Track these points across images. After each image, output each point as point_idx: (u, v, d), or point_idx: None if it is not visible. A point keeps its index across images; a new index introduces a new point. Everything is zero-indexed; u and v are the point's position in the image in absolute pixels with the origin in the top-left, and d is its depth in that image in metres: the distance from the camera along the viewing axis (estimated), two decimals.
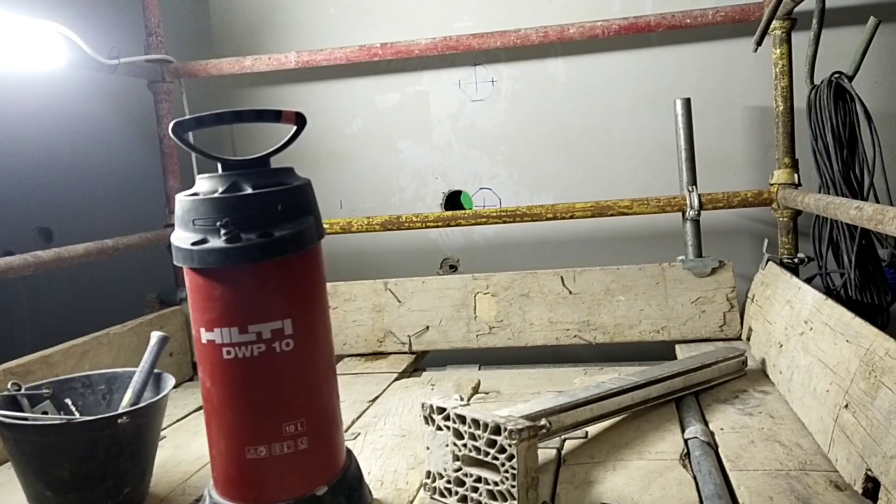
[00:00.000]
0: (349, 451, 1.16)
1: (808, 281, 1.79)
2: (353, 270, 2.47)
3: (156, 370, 1.38)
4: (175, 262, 1.04)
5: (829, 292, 1.81)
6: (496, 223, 2.22)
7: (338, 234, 2.30)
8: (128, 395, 1.33)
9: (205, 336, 1.03)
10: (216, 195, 1.02)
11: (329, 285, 2.21)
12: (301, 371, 1.05)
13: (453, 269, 2.53)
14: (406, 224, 2.23)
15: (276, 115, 1.10)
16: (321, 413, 1.08)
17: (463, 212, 2.25)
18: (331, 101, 2.52)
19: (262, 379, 1.03)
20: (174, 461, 1.49)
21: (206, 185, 1.06)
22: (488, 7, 2.40)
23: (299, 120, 1.10)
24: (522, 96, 2.42)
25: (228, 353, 1.01)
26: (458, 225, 2.24)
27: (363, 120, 2.53)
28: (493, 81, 2.43)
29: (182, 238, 1.02)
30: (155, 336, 1.37)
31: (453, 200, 2.54)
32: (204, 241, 1.00)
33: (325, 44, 2.36)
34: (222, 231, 0.99)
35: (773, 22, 1.92)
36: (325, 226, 2.22)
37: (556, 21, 2.22)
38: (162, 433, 1.64)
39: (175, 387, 1.95)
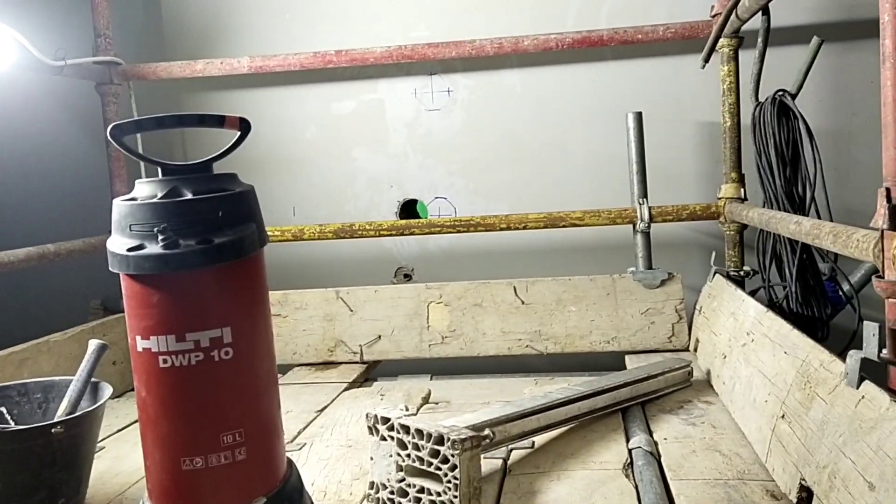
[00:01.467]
0: (290, 462, 1.14)
1: (753, 293, 1.83)
2: (305, 279, 2.45)
3: (94, 379, 1.35)
4: (111, 268, 1.01)
5: (773, 305, 1.85)
6: (451, 232, 2.22)
7: (290, 242, 2.27)
8: (63, 405, 1.30)
9: (141, 344, 1.00)
10: (155, 200, 1.00)
11: (279, 293, 2.19)
12: (240, 380, 1.03)
13: (408, 278, 2.52)
14: (360, 232, 2.21)
15: (220, 121, 1.08)
16: (260, 423, 1.06)
17: (417, 221, 2.25)
18: (285, 108, 2.50)
19: (199, 388, 1.00)
20: (112, 472, 1.46)
21: (145, 189, 1.03)
22: (444, 17, 2.40)
23: (243, 126, 1.09)
24: (478, 106, 2.43)
25: (165, 361, 0.99)
26: (412, 234, 2.24)
27: (318, 127, 2.51)
28: (448, 91, 2.44)
29: (118, 243, 1.00)
30: (93, 344, 1.34)
31: (409, 209, 2.54)
32: (141, 246, 0.98)
33: (280, 50, 2.34)
34: (160, 237, 0.97)
35: (721, 40, 1.96)
36: (277, 233, 2.22)
37: (512, 32, 2.23)
38: (101, 443, 1.61)
39: (117, 396, 1.91)
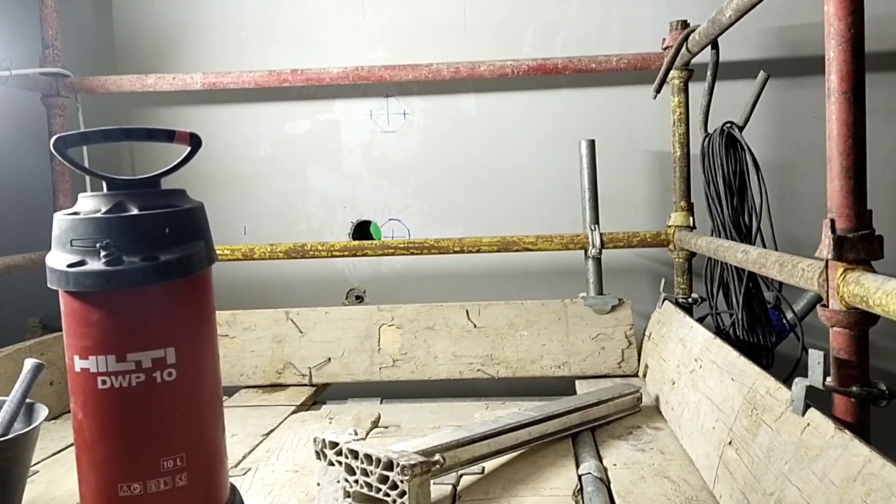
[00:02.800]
0: (233, 488, 1.11)
1: (701, 320, 1.86)
2: (255, 299, 2.40)
3: (29, 400, 1.29)
4: (49, 285, 0.97)
5: (720, 332, 1.88)
6: (404, 254, 2.21)
7: (240, 261, 2.23)
8: None
9: (78, 364, 0.96)
10: (98, 215, 0.97)
11: (227, 313, 2.14)
12: (183, 403, 1.00)
13: (359, 299, 2.49)
14: (311, 252, 2.19)
15: (169, 135, 1.06)
16: (203, 447, 1.02)
17: (371, 242, 2.23)
18: (238, 125, 2.47)
19: (139, 411, 0.97)
20: (46, 498, 1.39)
21: (88, 204, 1.00)
22: (402, 40, 2.41)
23: (194, 141, 1.07)
24: (434, 130, 2.44)
25: (104, 382, 0.95)
26: (365, 255, 2.22)
27: (271, 145, 2.48)
28: (405, 114, 2.44)
29: (58, 259, 0.96)
30: (28, 363, 1.29)
31: (362, 230, 2.52)
32: (82, 262, 0.95)
33: (234, 68, 2.31)
34: (102, 253, 0.93)
35: (672, 72, 2.01)
36: (227, 252, 2.17)
37: (468, 57, 2.25)
38: (35, 467, 1.54)
39: (54, 418, 1.84)
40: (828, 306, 1.06)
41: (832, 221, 1.04)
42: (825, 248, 1.03)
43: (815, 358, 1.00)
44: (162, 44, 2.46)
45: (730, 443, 1.23)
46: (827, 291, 1.05)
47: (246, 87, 2.22)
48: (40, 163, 2.27)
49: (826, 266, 1.05)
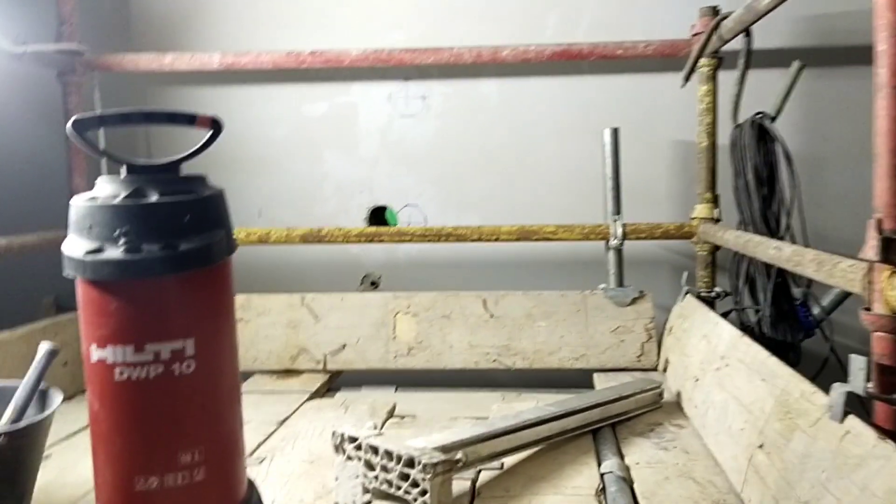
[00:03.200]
0: (251, 483, 1.08)
1: (724, 315, 1.82)
2: (269, 283, 2.38)
3: (43, 385, 1.27)
4: (65, 273, 0.94)
5: (744, 328, 1.84)
6: (421, 242, 2.17)
7: (254, 245, 2.20)
8: (8, 413, 1.22)
9: (95, 354, 0.94)
10: (117, 201, 0.93)
11: (242, 297, 2.12)
12: (202, 395, 0.97)
13: (374, 286, 2.46)
14: (327, 238, 2.15)
15: (190, 119, 1.02)
16: (222, 441, 0.99)
17: (387, 228, 2.19)
18: (255, 107, 2.43)
19: (157, 403, 0.94)
20: (58, 483, 1.37)
21: (106, 188, 0.97)
22: (422, 22, 2.36)
23: (214, 125, 1.03)
24: (453, 114, 2.39)
25: (121, 373, 0.93)
26: (381, 241, 2.18)
27: (288, 128, 2.44)
28: (423, 97, 2.39)
29: (75, 246, 0.93)
30: (43, 348, 1.26)
31: (377, 216, 2.48)
32: (100, 250, 0.91)
33: (252, 48, 2.27)
34: (121, 241, 0.90)
35: (701, 59, 1.95)
36: (242, 235, 2.14)
37: (489, 40, 2.20)
38: (47, 451, 1.52)
39: (69, 399, 1.81)
40: (871, 310, 1.02)
41: (879, 222, 0.99)
42: (871, 249, 0.99)
43: (857, 364, 0.96)
44: (178, 23, 2.42)
45: (760, 446, 1.19)
46: (870, 295, 1.01)
47: (264, 67, 2.18)
48: (55, 141, 2.24)
49: (870, 268, 1.01)
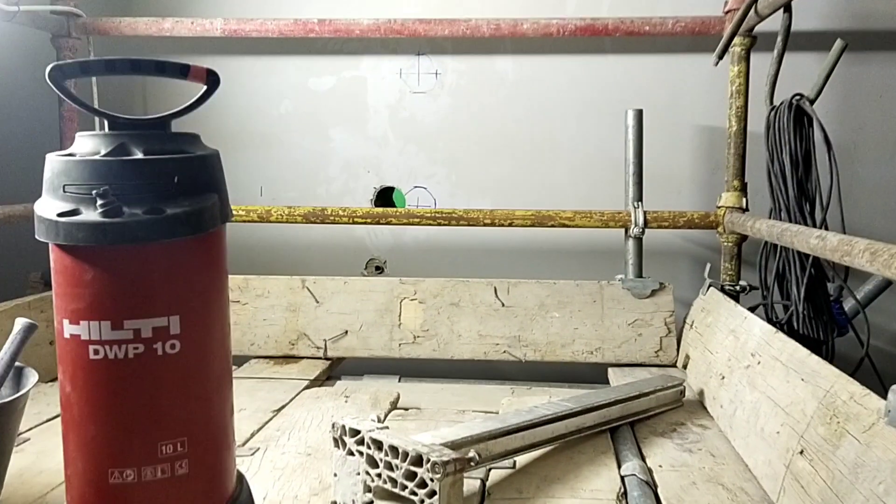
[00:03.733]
0: (240, 477, 0.98)
1: (751, 311, 1.71)
2: (269, 264, 2.27)
3: (19, 363, 1.16)
4: (37, 236, 0.84)
5: (772, 324, 1.73)
6: (430, 225, 2.06)
7: (255, 223, 2.10)
8: None
9: (68, 329, 0.83)
10: (96, 157, 0.83)
11: (240, 278, 2.01)
12: (187, 380, 0.86)
13: (379, 270, 2.36)
14: (332, 218, 2.05)
15: (183, 70, 0.91)
16: (208, 432, 0.89)
17: (395, 210, 2.08)
18: (258, 79, 2.32)
19: (136, 386, 0.84)
20: (35, 469, 1.27)
21: (86, 144, 0.86)
22: None
23: (210, 78, 0.92)
24: (467, 92, 2.28)
25: (96, 352, 0.82)
26: (388, 223, 2.08)
27: (293, 102, 2.33)
28: (436, 74, 2.28)
29: (48, 207, 0.83)
30: (19, 323, 1.16)
31: (385, 197, 2.37)
32: (75, 211, 0.81)
33: (258, 16, 2.15)
34: (99, 201, 0.79)
35: (735, 38, 1.83)
36: (241, 213, 2.04)
37: (506, 16, 2.08)
38: (25, 434, 1.42)
39: (52, 380, 1.72)
40: None
41: None
42: None
43: None
44: None
45: (801, 452, 1.08)
46: None
47: (269, 35, 2.07)
48: (48, 107, 2.13)
49: None
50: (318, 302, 2.00)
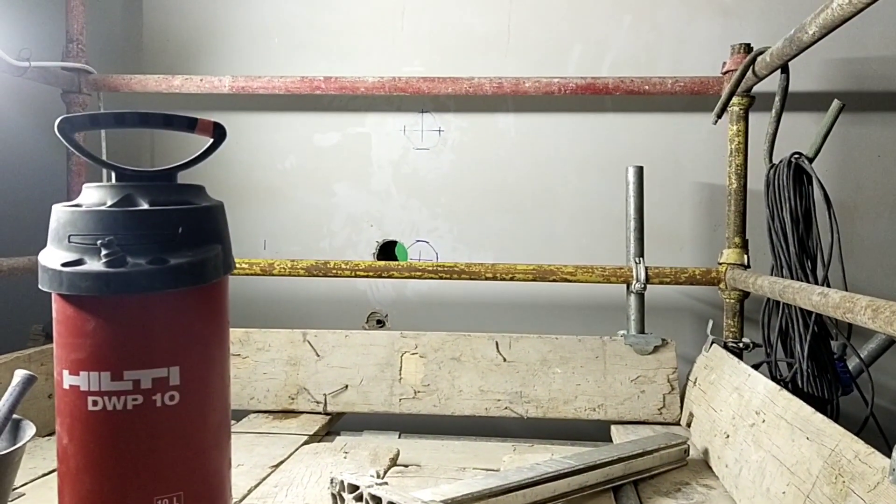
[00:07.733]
0: None
1: (754, 368, 1.70)
2: (271, 317, 2.27)
3: (16, 416, 1.16)
4: (40, 286, 0.84)
5: (776, 382, 1.71)
6: (432, 278, 2.06)
7: (258, 276, 2.10)
8: None
9: (68, 380, 0.83)
10: (102, 208, 0.84)
11: (241, 331, 2.01)
12: (186, 432, 0.86)
13: (381, 324, 2.35)
14: (334, 271, 2.05)
15: (191, 124, 0.93)
16: (205, 486, 0.88)
17: (397, 263, 2.09)
18: (264, 134, 2.36)
19: (134, 439, 0.83)
20: None
21: (93, 195, 0.87)
22: (441, 54, 2.30)
23: (217, 131, 0.94)
24: (469, 149, 2.31)
25: (95, 403, 0.82)
26: (390, 277, 2.08)
27: (298, 157, 2.36)
28: (439, 131, 2.31)
29: (52, 257, 0.83)
30: (18, 375, 1.15)
31: (387, 251, 2.38)
32: (79, 262, 0.81)
33: (265, 74, 2.20)
34: (103, 251, 0.80)
35: (733, 98, 1.87)
36: (244, 266, 2.04)
37: (509, 75, 2.12)
38: (21, 489, 1.40)
39: (50, 434, 1.70)
40: None
41: None
42: None
43: None
44: (191, 47, 2.36)
45: None
46: None
47: (276, 92, 2.11)
48: (56, 162, 2.16)
49: None
50: (318, 355, 1.99)
